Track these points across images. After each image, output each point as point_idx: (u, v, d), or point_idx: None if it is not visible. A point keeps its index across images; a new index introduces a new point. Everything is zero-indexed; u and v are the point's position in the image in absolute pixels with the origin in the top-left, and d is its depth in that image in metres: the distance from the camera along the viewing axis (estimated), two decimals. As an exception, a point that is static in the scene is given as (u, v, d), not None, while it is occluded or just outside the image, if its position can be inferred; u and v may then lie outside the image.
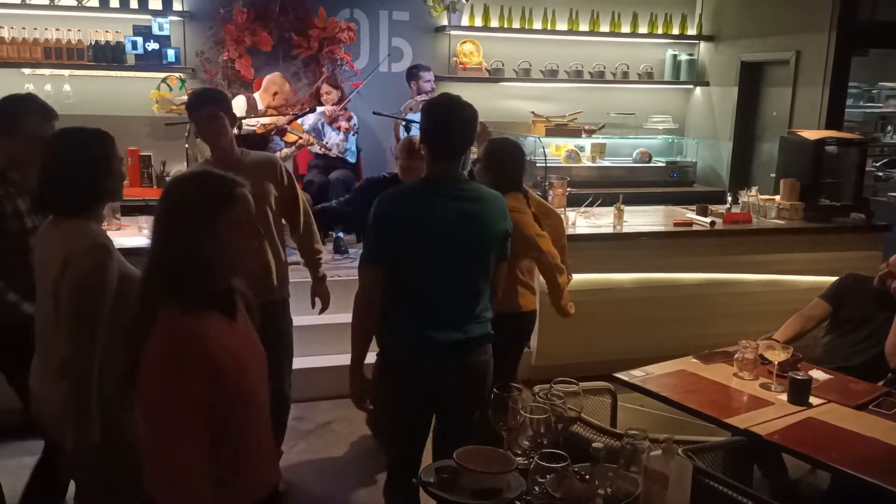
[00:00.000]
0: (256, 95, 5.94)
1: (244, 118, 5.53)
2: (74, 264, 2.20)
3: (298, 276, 3.76)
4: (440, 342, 2.59)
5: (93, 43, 6.02)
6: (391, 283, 2.59)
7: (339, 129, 6.08)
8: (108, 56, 6.05)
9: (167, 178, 5.32)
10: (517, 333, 3.59)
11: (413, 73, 6.41)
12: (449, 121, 2.62)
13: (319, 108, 6.12)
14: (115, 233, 4.21)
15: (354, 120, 6.18)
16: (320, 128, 6.14)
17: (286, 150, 5.93)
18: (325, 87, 6.13)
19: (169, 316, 1.69)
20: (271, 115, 5.85)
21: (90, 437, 2.21)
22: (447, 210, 2.58)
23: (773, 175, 6.19)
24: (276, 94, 5.88)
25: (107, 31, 6.07)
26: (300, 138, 5.93)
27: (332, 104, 6.08)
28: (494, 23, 7.09)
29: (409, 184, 2.70)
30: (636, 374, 3.21)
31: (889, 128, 8.14)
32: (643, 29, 7.51)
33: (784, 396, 2.99)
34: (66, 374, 2.21)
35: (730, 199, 5.75)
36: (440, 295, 2.61)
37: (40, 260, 2.34)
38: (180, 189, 1.79)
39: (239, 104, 5.76)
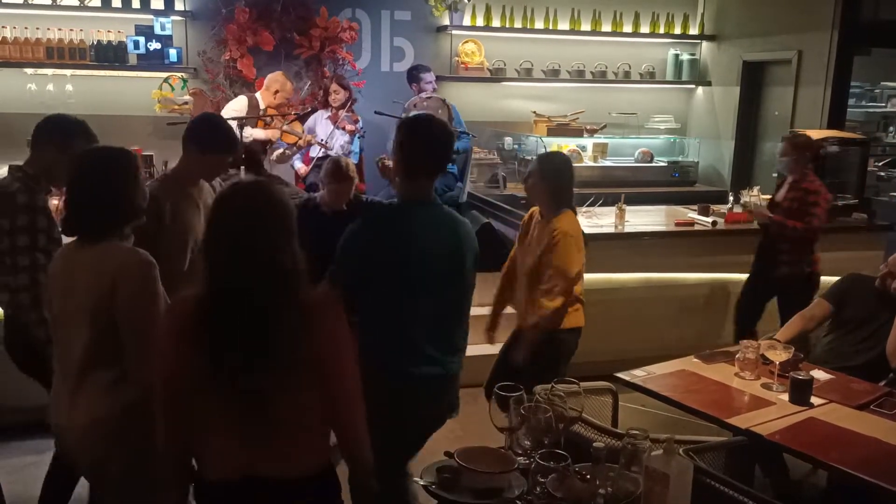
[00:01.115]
0: (258, 95, 5.94)
1: (244, 119, 5.53)
2: (128, 281, 2.21)
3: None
4: (417, 375, 2.55)
5: (95, 43, 6.03)
6: (365, 314, 2.55)
7: (343, 129, 6.06)
8: (110, 56, 6.05)
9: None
10: (553, 354, 3.53)
11: (413, 75, 6.38)
12: (424, 140, 2.57)
13: (321, 112, 6.09)
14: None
15: (360, 122, 6.16)
16: (315, 128, 6.09)
17: (286, 152, 5.92)
18: (333, 87, 6.11)
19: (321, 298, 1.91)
20: (272, 114, 5.84)
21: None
22: (421, 244, 2.53)
23: (775, 175, 6.18)
24: (277, 92, 5.87)
25: (109, 31, 6.08)
26: (299, 139, 5.92)
27: (339, 105, 6.06)
28: (496, 22, 7.09)
29: (382, 213, 2.66)
30: (637, 374, 3.21)
31: (891, 128, 8.13)
32: (645, 28, 7.51)
33: (785, 396, 2.99)
34: (133, 384, 2.22)
35: (731, 198, 5.75)
36: (417, 327, 2.55)
37: (66, 287, 2.30)
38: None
39: (240, 104, 5.76)
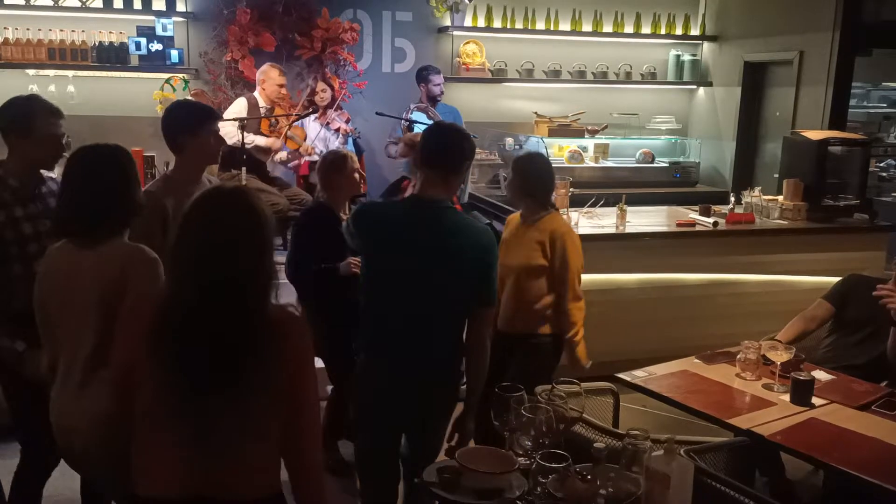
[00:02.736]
0: (257, 94, 5.92)
1: (244, 120, 5.52)
2: (139, 276, 2.21)
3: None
4: (389, 369, 2.60)
5: (97, 44, 6.04)
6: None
7: (336, 130, 6.05)
8: (111, 57, 6.06)
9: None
10: (547, 361, 3.52)
11: (423, 76, 6.31)
12: (437, 133, 2.72)
13: (312, 117, 6.08)
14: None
15: (352, 122, 6.14)
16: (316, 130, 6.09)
17: (288, 156, 5.92)
18: (319, 85, 6.11)
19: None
20: (275, 115, 5.83)
21: None
22: (416, 240, 2.56)
23: (776, 175, 6.18)
24: (264, 81, 5.76)
25: (110, 32, 6.09)
26: (300, 146, 5.92)
27: (326, 104, 6.04)
28: (497, 23, 7.10)
29: (388, 206, 2.78)
30: (638, 375, 3.21)
31: (892, 128, 8.12)
32: (646, 29, 7.51)
33: (786, 397, 2.99)
34: None
35: (733, 199, 5.75)
36: (390, 322, 2.59)
37: (67, 287, 2.28)
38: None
39: (239, 106, 5.72)
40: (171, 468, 1.75)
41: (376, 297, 2.63)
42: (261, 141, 5.69)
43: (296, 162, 6.12)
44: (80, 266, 2.28)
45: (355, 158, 3.77)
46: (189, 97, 6.23)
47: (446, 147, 2.64)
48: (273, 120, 5.80)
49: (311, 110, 6.07)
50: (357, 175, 3.73)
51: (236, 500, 1.77)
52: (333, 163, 3.67)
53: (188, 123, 3.04)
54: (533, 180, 3.47)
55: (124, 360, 1.82)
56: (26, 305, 2.45)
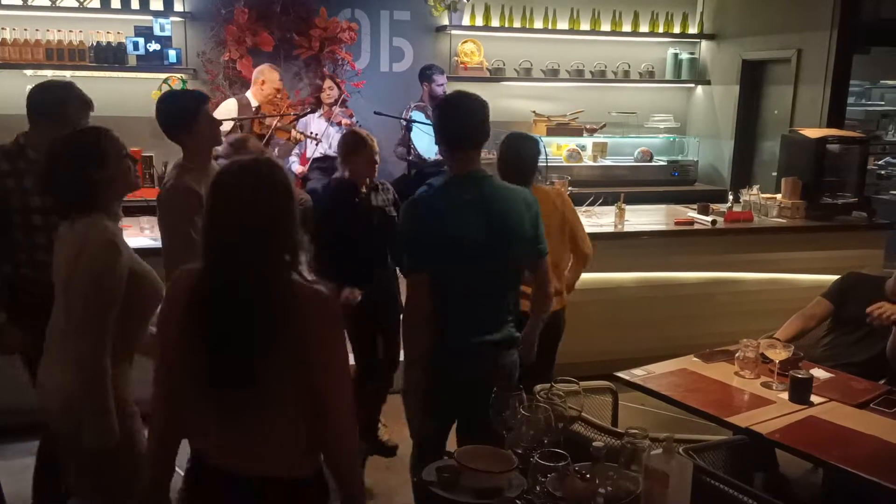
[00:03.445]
0: (248, 94, 5.90)
1: (242, 119, 5.51)
2: (86, 261, 2.22)
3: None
4: (472, 345, 2.62)
5: (94, 44, 6.03)
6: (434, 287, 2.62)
7: (339, 124, 6.04)
8: (109, 57, 6.05)
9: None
10: (555, 332, 3.66)
11: (427, 75, 6.31)
12: (458, 111, 2.66)
13: (317, 114, 6.07)
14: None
15: (355, 118, 6.15)
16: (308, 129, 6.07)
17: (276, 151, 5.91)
18: (327, 83, 6.10)
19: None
20: (268, 113, 5.81)
21: (109, 433, 2.22)
22: (468, 216, 2.58)
23: (774, 174, 6.19)
24: (263, 82, 5.76)
25: (108, 32, 6.08)
26: (289, 133, 5.90)
27: (332, 101, 6.05)
28: (495, 22, 7.09)
29: (429, 191, 2.67)
30: (637, 374, 3.21)
31: (891, 126, 8.13)
32: (644, 28, 7.51)
33: (785, 395, 2.99)
34: (81, 372, 2.22)
35: (731, 197, 5.75)
36: (469, 298, 2.63)
37: (57, 262, 2.35)
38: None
39: (228, 107, 5.69)
40: (207, 436, 1.84)
41: (450, 285, 2.61)
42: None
43: (295, 150, 6.10)
44: (60, 242, 2.34)
45: (374, 141, 3.85)
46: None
47: (474, 125, 2.65)
48: (263, 116, 5.78)
49: (309, 110, 6.06)
50: (372, 152, 3.81)
51: (269, 476, 1.80)
52: (350, 144, 3.80)
53: (180, 119, 3.07)
54: (513, 157, 3.53)
55: (165, 340, 1.87)
56: (24, 274, 2.48)
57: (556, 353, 3.73)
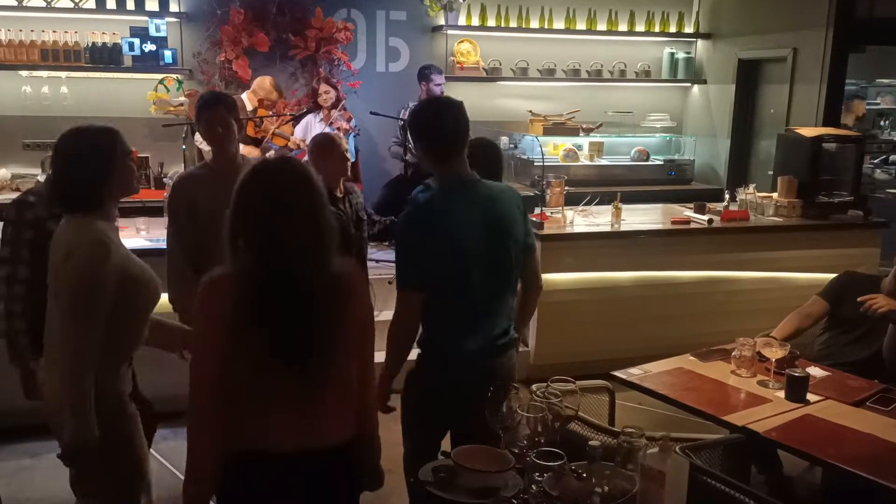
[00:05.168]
0: (244, 95, 5.90)
1: (240, 119, 5.51)
2: (73, 260, 2.20)
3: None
4: (480, 352, 2.59)
5: (90, 45, 6.02)
6: (428, 298, 2.58)
7: (338, 129, 6.05)
8: (105, 58, 6.05)
9: (165, 180, 5.30)
10: None
11: (425, 75, 6.32)
12: (438, 118, 2.62)
13: (313, 115, 6.06)
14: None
15: (354, 121, 6.15)
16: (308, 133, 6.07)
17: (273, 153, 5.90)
18: (323, 87, 6.11)
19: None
20: (263, 114, 5.81)
21: (85, 433, 2.20)
22: (470, 221, 2.55)
23: (770, 172, 6.19)
24: (262, 99, 5.84)
25: (104, 33, 6.07)
26: (288, 141, 5.91)
27: (330, 104, 6.05)
28: (491, 22, 7.09)
29: (427, 199, 2.59)
30: (634, 373, 3.21)
31: (885, 124, 8.14)
32: (640, 27, 7.51)
33: (782, 393, 2.99)
34: (61, 368, 2.22)
35: (727, 196, 5.76)
36: (479, 305, 2.60)
37: (50, 262, 2.33)
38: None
39: None
40: (284, 424, 1.91)
41: (458, 295, 2.57)
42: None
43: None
44: (54, 243, 2.32)
45: (343, 141, 3.86)
46: (183, 97, 6.23)
47: (465, 130, 2.64)
48: (258, 120, 5.80)
49: (305, 111, 6.06)
50: (346, 157, 3.82)
51: (331, 447, 1.97)
52: (320, 145, 3.79)
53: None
54: (480, 160, 3.50)
55: (210, 350, 1.89)
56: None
57: None
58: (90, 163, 2.28)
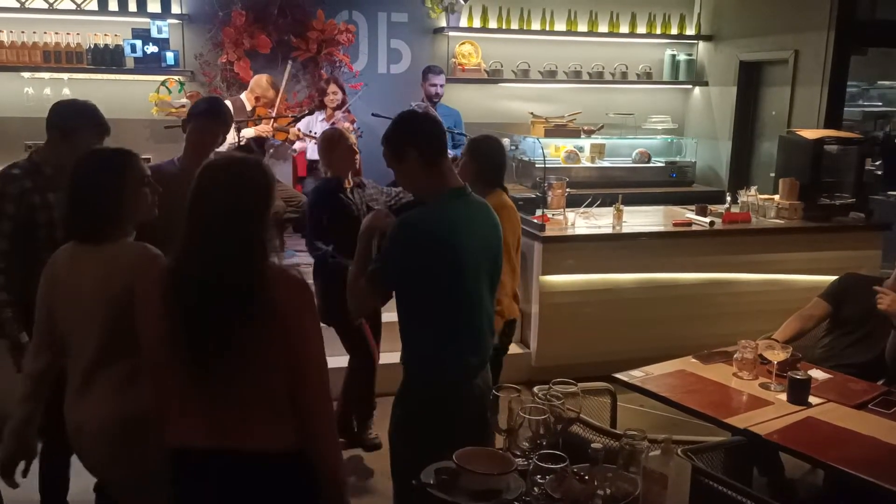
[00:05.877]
0: (243, 96, 5.90)
1: (240, 121, 5.51)
2: (145, 277, 2.17)
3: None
4: (470, 365, 2.46)
5: (92, 46, 6.03)
6: (416, 310, 2.45)
7: None
8: (106, 59, 6.06)
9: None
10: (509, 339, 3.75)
11: (423, 75, 6.35)
12: (428, 122, 2.54)
13: (317, 114, 6.07)
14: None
15: (357, 123, 6.15)
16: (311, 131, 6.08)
17: (285, 143, 5.92)
18: (331, 87, 6.11)
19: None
20: (262, 114, 5.81)
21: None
22: (469, 234, 2.43)
23: (772, 174, 6.19)
24: (258, 98, 5.83)
25: (105, 35, 6.08)
26: (288, 133, 5.91)
27: (336, 105, 6.05)
28: (493, 24, 7.09)
29: (426, 211, 2.45)
30: (636, 375, 3.21)
31: (888, 127, 8.14)
32: (642, 29, 7.51)
33: (783, 396, 2.99)
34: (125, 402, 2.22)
35: (729, 198, 5.75)
36: (469, 318, 2.46)
37: (73, 290, 2.26)
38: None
39: None
40: (194, 421, 1.92)
41: (459, 306, 2.43)
42: (250, 132, 5.71)
43: (293, 147, 6.10)
44: (86, 269, 2.25)
45: (351, 135, 4.01)
46: (185, 99, 6.23)
47: (439, 129, 2.54)
48: (258, 120, 5.80)
49: (307, 111, 6.06)
50: (353, 150, 3.92)
51: (258, 450, 1.91)
52: (328, 138, 3.92)
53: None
54: (479, 161, 3.54)
55: (150, 342, 1.95)
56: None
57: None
58: (116, 191, 2.26)
